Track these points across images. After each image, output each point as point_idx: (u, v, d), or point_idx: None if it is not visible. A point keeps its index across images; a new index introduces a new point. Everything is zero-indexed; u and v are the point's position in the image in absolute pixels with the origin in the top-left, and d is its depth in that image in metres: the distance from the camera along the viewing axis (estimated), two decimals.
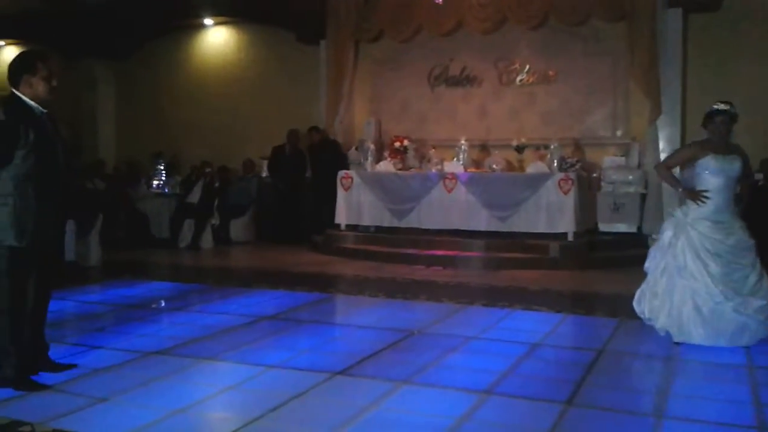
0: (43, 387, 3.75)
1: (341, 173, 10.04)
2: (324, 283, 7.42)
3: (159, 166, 11.91)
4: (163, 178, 11.78)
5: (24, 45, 12.79)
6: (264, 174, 11.64)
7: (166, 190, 11.59)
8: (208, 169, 11.07)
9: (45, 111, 3.89)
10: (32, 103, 3.83)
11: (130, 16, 12.59)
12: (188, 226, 10.51)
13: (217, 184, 11.09)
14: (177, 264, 9.41)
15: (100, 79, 13.91)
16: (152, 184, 11.78)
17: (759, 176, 8.13)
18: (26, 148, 3.72)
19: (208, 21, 12.96)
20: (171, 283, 7.44)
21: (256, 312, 5.76)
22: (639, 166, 9.74)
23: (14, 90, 3.83)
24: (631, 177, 9.58)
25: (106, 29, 12.93)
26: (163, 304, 6.45)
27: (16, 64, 3.86)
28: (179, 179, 11.58)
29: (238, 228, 11.16)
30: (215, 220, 10.82)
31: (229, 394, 3.75)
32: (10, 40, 14.29)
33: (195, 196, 10.67)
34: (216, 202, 10.87)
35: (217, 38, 13.15)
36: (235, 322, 5.40)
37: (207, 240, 10.52)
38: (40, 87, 3.84)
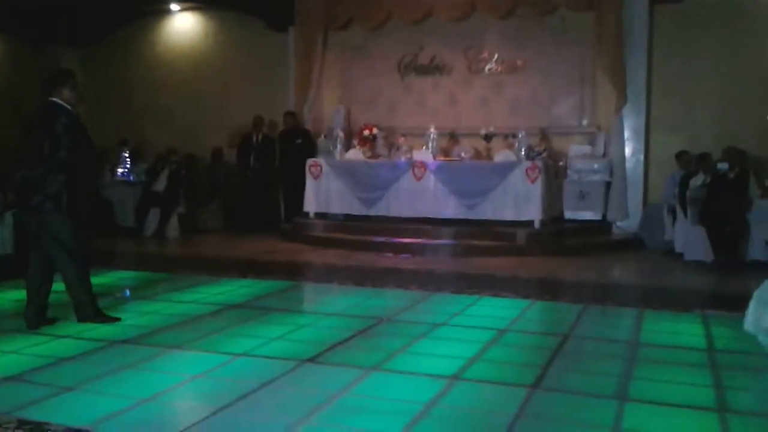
0: (116, 319, 4.97)
1: (310, 161, 10.00)
2: (292, 271, 7.41)
3: (124, 154, 11.71)
4: (128, 166, 11.59)
5: None
6: (232, 162, 11.55)
7: (132, 178, 11.40)
8: (174, 157, 10.93)
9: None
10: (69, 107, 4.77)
11: (95, 2, 12.34)
12: (154, 215, 10.38)
13: (183, 172, 10.96)
14: (143, 253, 9.29)
15: (65, 66, 13.59)
16: (117, 171, 11.58)
17: (723, 165, 8.30)
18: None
19: (174, 6, 12.75)
20: (137, 273, 7.35)
21: (224, 300, 5.73)
22: (604, 154, 9.89)
23: (52, 98, 4.74)
24: (596, 165, 9.72)
25: (71, 16, 12.66)
26: (128, 294, 6.38)
27: (51, 78, 4.82)
28: (145, 167, 11.41)
29: (205, 216, 11.07)
30: (182, 209, 10.70)
31: (198, 383, 3.73)
32: None
33: (161, 184, 10.54)
34: (182, 191, 10.75)
35: (184, 24, 12.94)
36: (202, 310, 5.37)
37: (173, 229, 10.41)
38: (72, 95, 4.81)
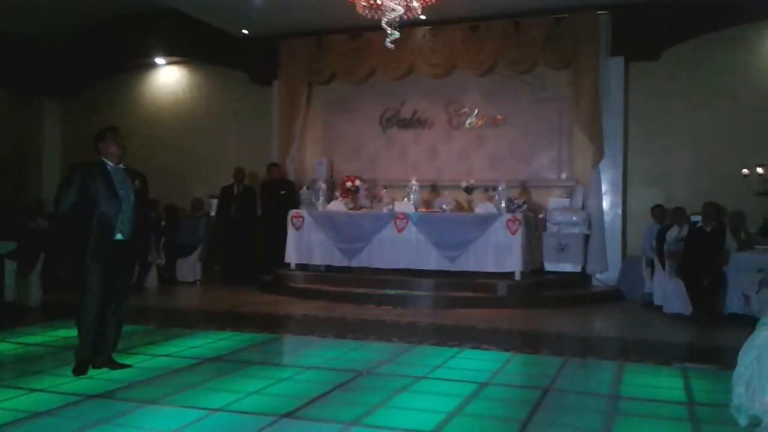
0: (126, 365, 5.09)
1: (292, 212, 10.03)
2: (272, 323, 7.34)
3: None
4: None
5: None
6: (212, 213, 11.54)
7: None
8: (153, 211, 10.87)
9: (120, 166, 5.05)
10: (108, 162, 5.00)
11: (81, 56, 12.50)
12: None
13: (163, 223, 10.92)
14: None
15: (47, 117, 13.68)
16: None
17: (697, 218, 8.46)
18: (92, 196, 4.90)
19: (160, 60, 12.93)
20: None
21: (201, 354, 5.65)
22: (583, 207, 10.03)
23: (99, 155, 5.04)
24: (575, 218, 9.84)
25: (56, 68, 12.79)
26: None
27: (93, 138, 5.06)
28: None
29: (184, 268, 10.96)
30: (161, 260, 10.62)
31: None
32: None
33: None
34: (162, 241, 10.68)
35: (168, 78, 13.10)
36: (179, 364, 5.29)
37: (152, 280, 10.30)
38: (111, 148, 5.02)
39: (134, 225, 5.04)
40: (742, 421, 3.74)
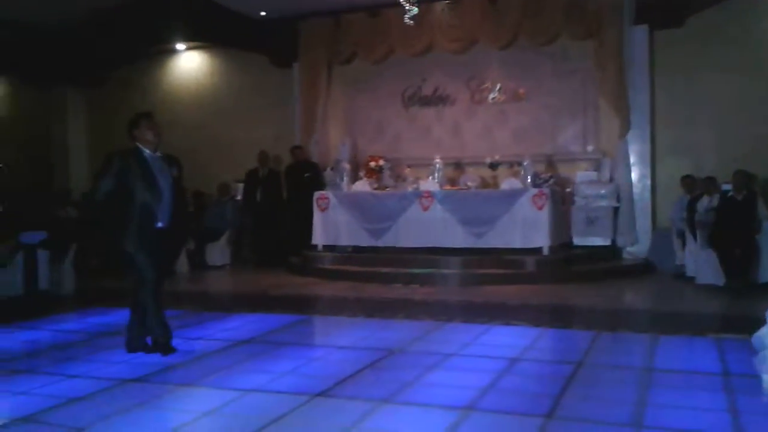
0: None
1: (317, 194, 10.05)
2: (302, 305, 7.39)
3: None
4: None
5: None
6: (239, 197, 11.61)
7: None
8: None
9: (157, 154, 5.05)
10: (145, 149, 4.99)
11: (101, 43, 12.55)
12: None
13: (191, 209, 11.02)
14: None
15: (71, 107, 13.83)
16: None
17: (728, 187, 8.30)
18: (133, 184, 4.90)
19: (180, 46, 12.96)
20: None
21: (234, 336, 5.71)
22: (611, 180, 9.90)
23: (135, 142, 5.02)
24: (603, 191, 9.72)
25: (77, 57, 12.87)
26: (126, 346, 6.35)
27: (128, 124, 5.04)
28: None
29: (213, 252, 11.08)
30: (190, 245, 10.73)
31: (208, 420, 3.70)
32: None
33: None
34: (191, 227, 10.79)
35: (189, 63, 13.15)
36: (212, 347, 5.35)
37: (182, 265, 10.42)
38: (147, 135, 5.01)
39: (173, 212, 5.06)
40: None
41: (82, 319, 6.72)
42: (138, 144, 5.02)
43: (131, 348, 5.09)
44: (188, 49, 13.03)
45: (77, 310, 7.27)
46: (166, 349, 5.04)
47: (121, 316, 6.74)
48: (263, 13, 11.38)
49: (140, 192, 4.90)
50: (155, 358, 4.96)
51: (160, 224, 4.98)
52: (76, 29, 12.53)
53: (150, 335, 5.09)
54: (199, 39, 12.64)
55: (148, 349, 5.06)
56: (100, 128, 13.52)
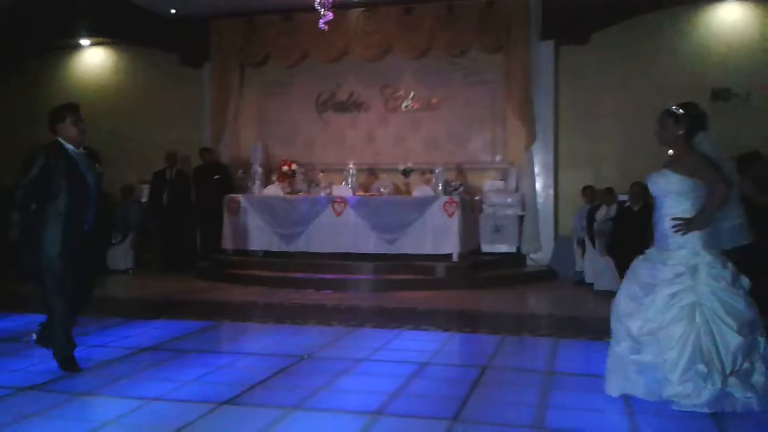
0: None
1: (228, 197, 9.87)
2: (209, 311, 7.22)
3: None
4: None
5: None
6: (144, 199, 11.23)
7: None
8: None
9: (80, 150, 4.75)
10: (68, 145, 4.68)
11: (3, 37, 11.87)
12: None
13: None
14: None
15: None
16: None
17: (625, 198, 8.74)
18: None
19: (84, 42, 12.42)
20: (43, 316, 6.95)
21: (137, 343, 5.51)
22: (517, 189, 10.23)
23: (56, 136, 4.70)
24: (509, 200, 10.03)
25: None
26: (35, 338, 6.03)
27: (49, 117, 4.75)
28: None
29: (116, 256, 10.66)
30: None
31: (109, 430, 3.55)
32: None
33: None
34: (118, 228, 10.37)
35: (94, 59, 12.63)
36: (114, 354, 5.15)
37: None
38: (71, 132, 4.72)
39: (97, 212, 4.80)
40: None
41: None
42: (59, 139, 4.68)
43: (62, 358, 4.66)
44: (93, 44, 12.51)
45: None
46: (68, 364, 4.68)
47: (17, 322, 6.42)
48: (173, 11, 11.07)
49: (68, 192, 4.58)
50: (52, 366, 4.72)
51: (86, 226, 4.71)
52: None
53: (51, 347, 4.74)
54: (106, 35, 12.14)
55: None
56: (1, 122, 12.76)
